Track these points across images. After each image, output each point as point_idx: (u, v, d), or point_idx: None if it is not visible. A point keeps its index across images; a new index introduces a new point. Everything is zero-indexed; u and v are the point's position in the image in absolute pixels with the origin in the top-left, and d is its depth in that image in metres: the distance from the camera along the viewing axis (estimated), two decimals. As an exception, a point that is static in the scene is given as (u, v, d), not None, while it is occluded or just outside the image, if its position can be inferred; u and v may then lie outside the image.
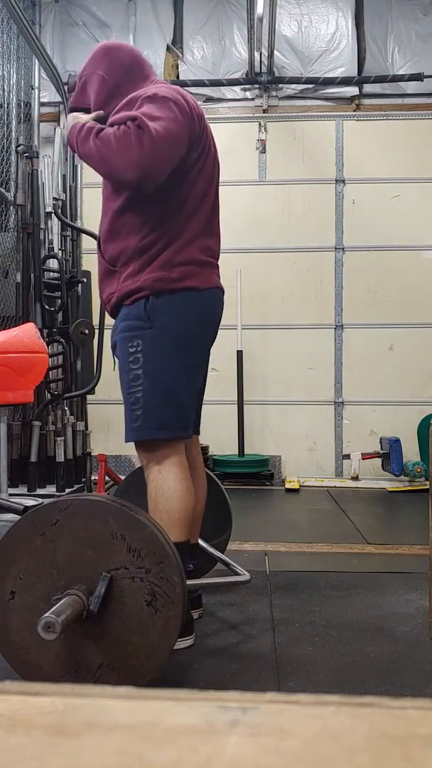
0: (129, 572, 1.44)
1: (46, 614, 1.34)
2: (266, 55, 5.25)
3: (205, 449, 5.19)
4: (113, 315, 1.96)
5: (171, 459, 1.83)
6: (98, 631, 1.45)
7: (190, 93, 5.78)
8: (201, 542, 2.23)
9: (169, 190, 1.84)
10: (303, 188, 5.48)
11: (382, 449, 5.08)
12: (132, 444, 1.92)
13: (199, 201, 1.90)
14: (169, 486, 1.81)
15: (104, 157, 1.73)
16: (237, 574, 2.13)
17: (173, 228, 1.85)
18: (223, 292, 2.00)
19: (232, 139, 5.51)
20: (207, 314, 1.93)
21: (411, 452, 5.06)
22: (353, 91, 5.44)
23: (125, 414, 1.89)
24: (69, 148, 1.90)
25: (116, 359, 1.93)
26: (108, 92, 1.94)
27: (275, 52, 5.31)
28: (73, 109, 2.00)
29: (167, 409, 1.83)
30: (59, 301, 4.43)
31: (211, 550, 2.23)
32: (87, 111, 1.99)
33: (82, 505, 1.49)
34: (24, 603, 1.48)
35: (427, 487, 2.11)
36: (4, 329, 3.64)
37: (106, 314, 2.71)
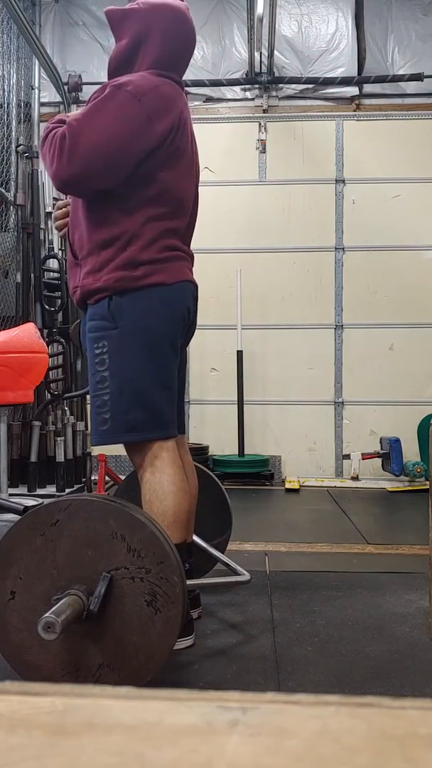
0: (129, 572, 1.44)
1: (46, 614, 1.34)
2: (266, 55, 5.25)
3: (205, 449, 5.19)
4: (81, 308, 1.92)
5: (163, 459, 1.81)
6: (98, 631, 1.45)
7: (190, 93, 5.71)
8: (201, 542, 2.23)
9: (133, 188, 1.80)
10: (303, 188, 5.48)
11: (382, 449, 5.08)
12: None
13: (169, 202, 1.85)
14: (163, 488, 1.79)
15: (42, 160, 1.77)
16: (237, 574, 2.13)
17: (136, 227, 1.80)
18: (195, 285, 1.95)
19: (232, 139, 5.51)
20: (176, 309, 1.86)
21: (411, 452, 5.06)
22: (353, 91, 5.44)
23: (91, 416, 1.85)
24: None
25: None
26: (129, 54, 1.86)
27: (275, 52, 5.32)
28: (110, 17, 1.90)
29: (137, 411, 1.78)
30: (59, 301, 4.44)
31: (211, 550, 2.23)
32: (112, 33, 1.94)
33: (82, 505, 1.49)
34: (24, 603, 1.48)
35: (427, 487, 2.11)
36: (4, 329, 3.64)
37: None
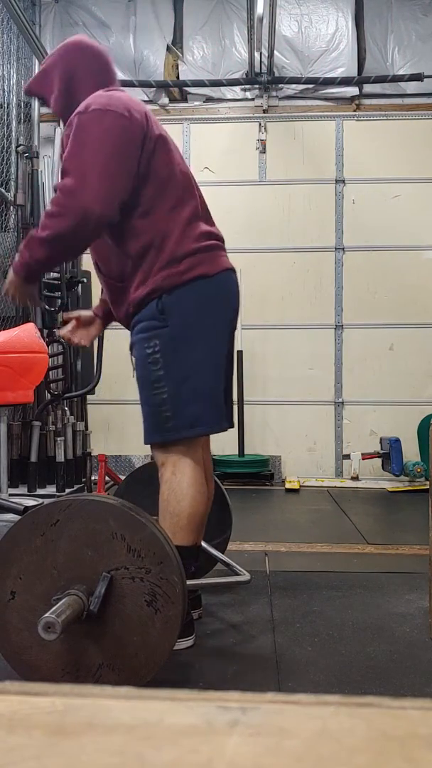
0: (129, 572, 1.44)
1: (46, 614, 1.34)
2: (266, 55, 5.25)
3: (205, 449, 5.19)
4: (131, 327, 1.93)
5: (186, 461, 1.82)
6: (98, 631, 1.45)
7: (190, 93, 5.74)
8: (202, 543, 2.23)
9: (140, 191, 1.81)
10: (303, 188, 5.48)
11: (382, 449, 5.08)
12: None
13: (176, 188, 1.86)
14: (182, 489, 1.80)
15: (56, 231, 1.72)
16: (237, 574, 2.13)
17: (161, 225, 1.82)
18: (235, 272, 1.97)
19: (232, 139, 5.51)
20: (222, 298, 1.90)
21: (411, 452, 5.06)
22: (353, 91, 5.44)
23: (147, 416, 1.85)
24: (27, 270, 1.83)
25: (133, 359, 1.90)
26: (68, 93, 1.91)
27: (275, 52, 5.31)
28: (29, 92, 1.99)
29: (197, 405, 1.81)
30: (59, 301, 4.44)
31: (211, 550, 2.23)
32: (45, 102, 1.98)
33: (83, 505, 1.49)
34: (24, 603, 1.48)
35: (427, 487, 2.11)
36: (4, 329, 3.64)
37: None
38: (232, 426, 1.97)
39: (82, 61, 1.92)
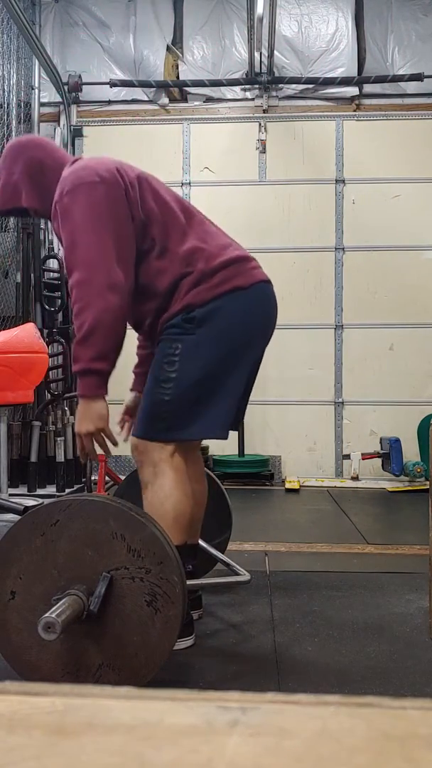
0: (129, 572, 1.44)
1: (46, 614, 1.34)
2: (266, 55, 5.25)
3: (204, 449, 5.19)
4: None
5: (168, 463, 1.80)
6: (98, 632, 1.45)
7: (190, 93, 5.74)
8: (201, 542, 2.23)
9: (150, 238, 1.81)
10: (303, 188, 5.48)
11: (382, 449, 5.08)
12: (130, 444, 1.90)
13: (182, 217, 1.86)
14: (164, 491, 1.79)
15: (90, 324, 1.68)
16: (237, 574, 2.13)
17: (184, 254, 1.81)
18: (270, 284, 1.94)
19: (232, 139, 5.51)
20: (256, 311, 1.87)
21: (411, 452, 5.06)
22: (353, 91, 5.44)
23: (145, 410, 1.83)
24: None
25: None
26: (38, 190, 1.88)
27: (275, 52, 5.31)
28: (7, 212, 1.95)
29: (194, 414, 1.80)
30: (59, 301, 4.44)
31: (211, 550, 2.23)
32: (23, 212, 1.94)
33: (83, 505, 1.49)
34: (24, 603, 1.48)
35: (427, 487, 2.11)
36: (4, 329, 3.64)
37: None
38: (226, 437, 1.92)
39: (34, 154, 1.89)
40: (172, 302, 1.82)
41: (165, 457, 1.81)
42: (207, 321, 1.79)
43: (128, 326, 1.82)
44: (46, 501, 1.65)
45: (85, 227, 1.71)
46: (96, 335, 1.68)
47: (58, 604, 1.39)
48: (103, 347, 1.69)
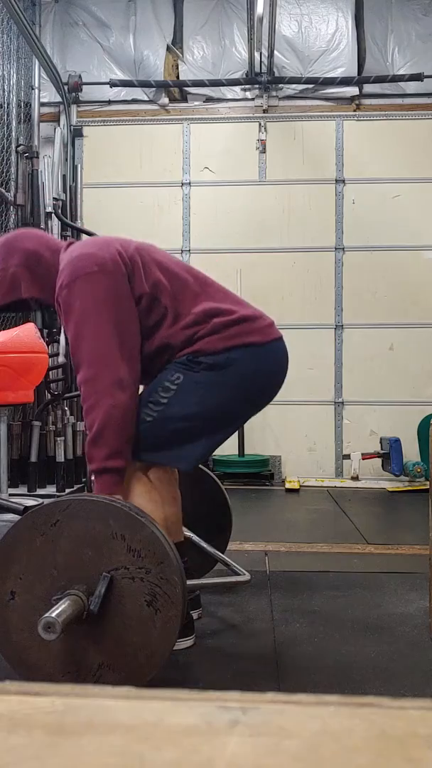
0: (129, 572, 1.44)
1: (46, 614, 1.34)
2: (266, 55, 5.25)
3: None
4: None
5: (135, 475, 1.78)
6: (99, 632, 1.45)
7: (190, 93, 5.71)
8: (201, 542, 2.23)
9: (162, 308, 1.78)
10: (303, 188, 5.48)
11: (382, 449, 5.08)
12: None
13: (191, 280, 1.84)
14: (135, 503, 1.77)
15: (100, 422, 1.66)
16: (237, 573, 2.13)
17: (197, 317, 1.78)
18: (283, 341, 1.90)
19: (232, 139, 5.52)
20: (267, 371, 1.84)
21: (411, 452, 5.06)
22: (353, 91, 5.44)
23: None
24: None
25: None
26: (38, 280, 1.86)
27: (275, 52, 5.31)
28: (7, 307, 1.94)
29: (168, 443, 1.77)
30: (59, 301, 4.42)
31: (211, 550, 2.23)
32: (24, 304, 1.93)
33: (82, 505, 1.49)
34: (24, 603, 1.48)
35: (427, 487, 2.10)
36: (4, 329, 3.64)
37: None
38: (191, 470, 1.89)
39: (27, 246, 1.86)
40: (184, 350, 1.79)
41: (131, 473, 1.78)
42: (214, 368, 1.76)
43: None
44: (46, 501, 1.65)
45: (88, 321, 1.69)
46: (107, 433, 1.66)
47: (58, 604, 1.39)
48: (116, 445, 1.66)
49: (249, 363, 1.79)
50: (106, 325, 1.69)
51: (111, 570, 1.44)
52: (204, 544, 2.23)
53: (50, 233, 4.52)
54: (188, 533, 2.23)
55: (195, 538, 2.23)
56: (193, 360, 1.77)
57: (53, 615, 1.34)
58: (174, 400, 1.76)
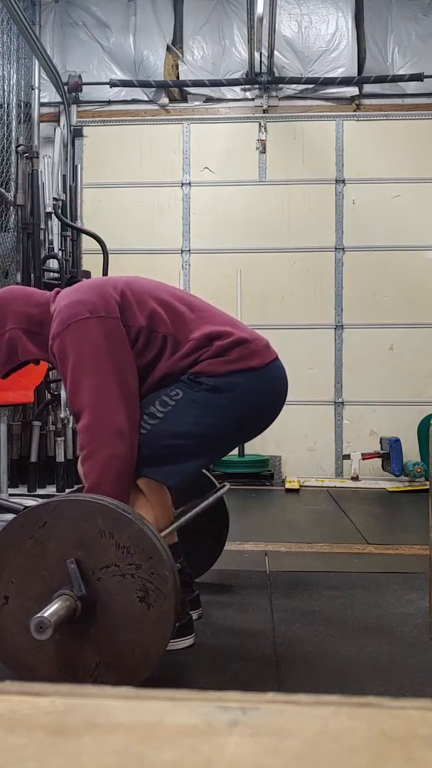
0: (120, 570, 1.44)
1: (37, 615, 1.34)
2: (266, 55, 5.25)
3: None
4: None
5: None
6: (93, 631, 1.45)
7: (190, 93, 5.71)
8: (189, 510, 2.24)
9: (161, 338, 1.77)
10: (303, 188, 5.48)
11: (382, 449, 5.08)
12: None
13: (187, 306, 1.83)
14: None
15: (99, 472, 1.65)
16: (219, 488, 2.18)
17: (198, 342, 1.77)
18: (279, 360, 1.89)
19: (232, 139, 5.51)
20: (266, 395, 1.83)
21: (411, 452, 5.06)
22: (353, 91, 5.44)
23: None
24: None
25: None
26: (32, 339, 1.85)
27: (275, 52, 5.31)
28: (8, 373, 1.92)
29: (158, 458, 1.75)
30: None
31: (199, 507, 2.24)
32: (24, 364, 1.92)
33: (69, 506, 1.49)
34: (17, 606, 1.47)
35: (427, 487, 2.10)
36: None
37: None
38: (178, 488, 1.87)
39: (14, 308, 1.84)
40: (187, 371, 1.79)
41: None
42: (215, 391, 1.75)
43: None
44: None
45: (84, 368, 1.68)
46: (105, 485, 1.65)
47: (50, 605, 1.39)
48: (114, 497, 1.64)
49: (249, 388, 1.78)
50: (103, 372, 1.68)
51: (101, 568, 1.44)
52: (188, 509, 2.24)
53: (50, 234, 4.52)
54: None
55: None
56: (195, 380, 1.76)
57: (45, 615, 1.34)
58: (170, 416, 1.74)
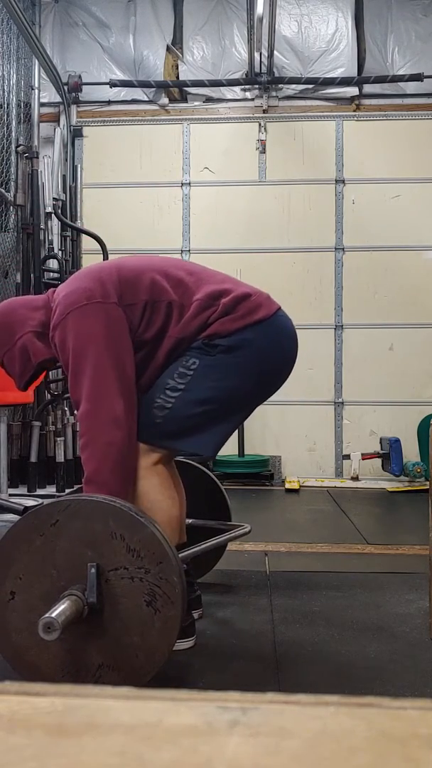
0: (129, 572, 1.44)
1: (46, 615, 1.34)
2: (266, 55, 5.25)
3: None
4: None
5: (151, 468, 1.79)
6: (98, 632, 1.45)
7: (190, 93, 5.71)
8: (198, 521, 2.26)
9: (165, 310, 1.77)
10: (303, 188, 5.48)
11: (382, 449, 5.08)
12: None
13: (187, 272, 1.85)
14: (151, 497, 1.78)
15: (99, 459, 1.66)
16: (239, 527, 2.19)
17: (203, 303, 1.78)
18: (282, 310, 1.91)
19: (232, 139, 5.51)
20: (279, 347, 1.85)
21: (411, 452, 5.06)
22: (353, 91, 5.44)
23: (140, 413, 1.80)
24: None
25: None
26: (43, 341, 1.87)
27: (275, 52, 5.31)
28: (30, 380, 1.95)
29: (188, 428, 1.78)
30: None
31: (210, 522, 2.26)
32: (43, 367, 1.94)
33: (82, 505, 1.49)
34: (24, 603, 1.48)
35: (427, 487, 2.11)
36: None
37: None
38: (213, 457, 1.92)
39: (16, 318, 1.87)
40: (199, 335, 1.79)
41: (149, 464, 1.79)
42: (230, 351, 1.77)
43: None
44: (46, 501, 1.65)
45: (84, 356, 1.69)
46: (104, 474, 1.66)
47: (58, 605, 1.39)
48: (115, 488, 1.65)
49: (262, 341, 1.80)
50: (102, 359, 1.69)
51: (110, 570, 1.44)
52: (198, 521, 2.26)
53: (50, 234, 4.52)
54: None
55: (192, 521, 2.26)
56: (209, 344, 1.77)
57: (53, 615, 1.34)
58: (191, 385, 1.77)
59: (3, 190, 4.24)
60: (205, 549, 1.94)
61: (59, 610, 1.37)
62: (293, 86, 5.46)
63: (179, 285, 1.81)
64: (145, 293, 1.77)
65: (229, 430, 1.86)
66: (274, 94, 5.51)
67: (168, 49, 5.51)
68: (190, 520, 2.24)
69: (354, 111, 5.48)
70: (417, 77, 5.29)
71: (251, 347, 1.79)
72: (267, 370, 1.86)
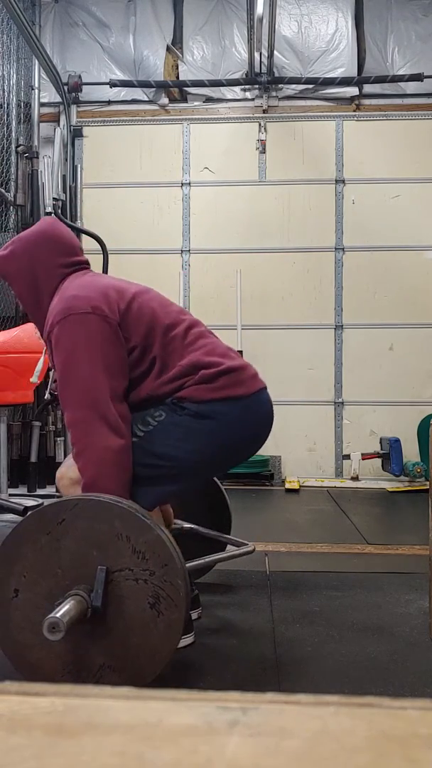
0: (133, 574, 1.44)
1: (51, 615, 1.34)
2: (266, 55, 5.25)
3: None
4: None
5: None
6: (101, 632, 1.45)
7: (190, 93, 5.72)
8: (201, 529, 2.26)
9: (156, 345, 1.77)
10: (303, 188, 5.48)
11: (382, 449, 5.08)
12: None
13: (183, 320, 1.84)
14: None
15: (94, 467, 1.65)
16: (242, 545, 2.20)
17: (189, 354, 1.78)
18: (266, 390, 1.90)
19: (232, 139, 5.51)
20: (250, 424, 1.83)
21: (411, 452, 5.06)
22: (353, 91, 5.43)
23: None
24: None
25: None
26: (34, 290, 1.88)
27: (275, 52, 5.31)
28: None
29: (133, 477, 1.73)
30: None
31: (213, 532, 2.27)
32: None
33: (89, 505, 1.49)
34: (27, 601, 1.48)
35: (427, 487, 2.11)
36: (4, 329, 3.64)
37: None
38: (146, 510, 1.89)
39: (44, 254, 1.86)
40: (172, 395, 1.77)
41: None
42: (197, 417, 1.73)
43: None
44: (47, 501, 1.65)
45: (78, 361, 1.68)
46: (103, 481, 1.64)
47: (63, 604, 1.39)
48: (114, 492, 1.63)
49: (232, 416, 1.77)
50: (95, 367, 1.68)
51: (115, 571, 1.44)
52: (203, 530, 2.27)
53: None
54: (187, 525, 2.26)
55: (193, 527, 2.26)
56: (178, 404, 1.75)
57: (58, 615, 1.34)
58: (150, 436, 1.73)
59: (3, 190, 4.24)
60: (206, 565, 1.94)
61: (64, 610, 1.36)
62: (293, 86, 5.46)
63: (171, 344, 1.79)
64: (139, 337, 1.76)
65: (174, 492, 1.83)
66: (274, 94, 5.51)
67: (168, 49, 5.50)
68: (188, 525, 2.24)
69: (354, 111, 5.48)
70: (417, 77, 5.29)
71: (219, 420, 1.75)
72: (229, 445, 1.82)
